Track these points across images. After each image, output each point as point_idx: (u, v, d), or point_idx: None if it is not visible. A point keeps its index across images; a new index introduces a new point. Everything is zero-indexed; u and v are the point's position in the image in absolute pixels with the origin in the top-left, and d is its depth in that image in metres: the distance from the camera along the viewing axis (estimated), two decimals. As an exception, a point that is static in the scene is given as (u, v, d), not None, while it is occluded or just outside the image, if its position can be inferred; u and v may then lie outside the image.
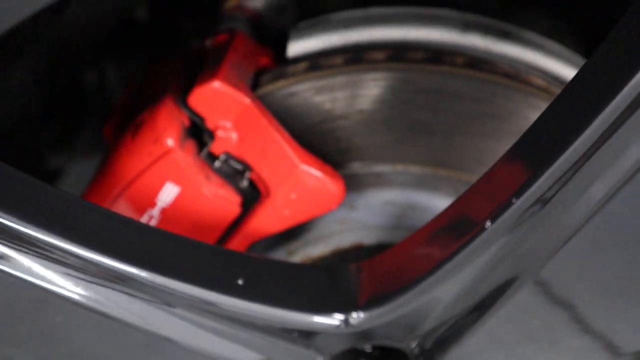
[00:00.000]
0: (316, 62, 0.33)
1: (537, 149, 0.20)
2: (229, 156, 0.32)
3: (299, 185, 0.31)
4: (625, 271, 0.24)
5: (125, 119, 0.36)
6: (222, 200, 0.32)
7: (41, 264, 0.24)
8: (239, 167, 0.32)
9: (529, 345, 0.27)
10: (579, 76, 0.22)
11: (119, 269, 0.24)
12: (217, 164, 0.32)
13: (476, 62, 0.33)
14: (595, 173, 0.21)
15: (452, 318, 0.26)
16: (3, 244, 0.24)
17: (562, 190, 0.21)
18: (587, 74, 0.21)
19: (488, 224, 0.20)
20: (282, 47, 0.38)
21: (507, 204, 0.19)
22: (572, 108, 0.21)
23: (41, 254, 0.24)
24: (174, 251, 0.26)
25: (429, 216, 0.29)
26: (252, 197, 0.33)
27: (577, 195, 0.21)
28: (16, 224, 0.24)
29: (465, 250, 0.22)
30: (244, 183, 0.32)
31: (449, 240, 0.24)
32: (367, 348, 0.29)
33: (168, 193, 0.32)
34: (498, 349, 0.27)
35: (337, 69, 0.33)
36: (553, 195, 0.21)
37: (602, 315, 0.26)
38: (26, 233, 0.24)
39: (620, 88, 0.19)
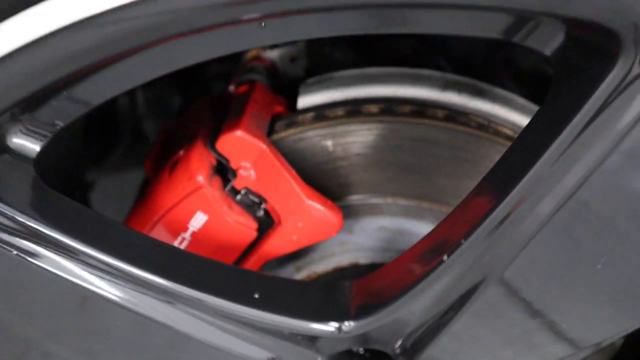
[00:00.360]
0: (321, 113, 0.40)
1: (481, 200, 0.27)
2: (248, 191, 0.38)
3: (305, 216, 0.38)
4: (570, 273, 0.30)
5: (162, 156, 0.43)
6: (242, 227, 0.39)
7: (98, 276, 0.31)
8: (256, 199, 0.39)
9: (496, 340, 0.33)
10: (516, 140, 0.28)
11: (161, 284, 0.31)
12: (238, 197, 0.38)
13: (454, 115, 0.39)
14: (531, 207, 0.27)
15: (427, 321, 0.32)
16: (71, 260, 0.31)
17: (507, 222, 0.27)
18: (523, 139, 0.28)
19: (445, 257, 0.27)
20: (294, 93, 0.44)
21: (458, 244, 0.26)
22: (509, 162, 0.28)
23: (98, 268, 0.31)
24: (204, 270, 0.33)
25: (414, 240, 0.36)
26: (267, 224, 0.39)
27: (520, 225, 0.27)
28: (83, 247, 0.30)
29: (430, 276, 0.28)
30: (260, 213, 0.39)
31: (420, 266, 0.30)
32: (359, 350, 0.35)
33: (198, 220, 0.38)
34: (468, 344, 0.33)
35: (339, 120, 0.40)
36: (498, 228, 0.27)
37: (559, 312, 0.31)
38: (87, 252, 0.31)
39: (545, 149, 0.25)
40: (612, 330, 0.30)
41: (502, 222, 0.27)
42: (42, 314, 0.32)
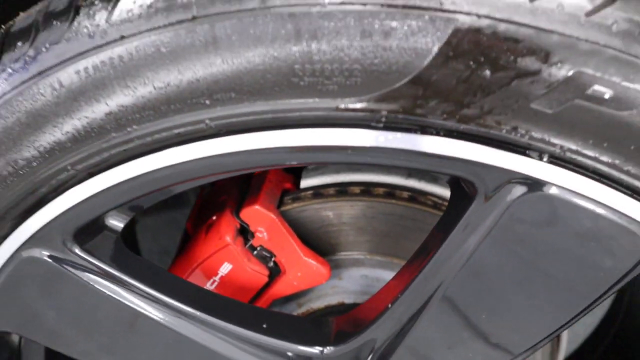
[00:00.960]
0: (318, 192, 0.53)
1: (408, 268, 0.40)
2: (262, 248, 0.52)
3: (302, 268, 0.51)
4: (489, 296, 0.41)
5: (199, 219, 0.57)
6: (257, 274, 0.53)
7: (149, 305, 0.44)
8: (268, 254, 0.52)
9: (442, 348, 0.45)
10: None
11: (195, 314, 0.44)
12: (255, 252, 0.52)
13: (415, 196, 0.53)
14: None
15: (388, 339, 0.45)
16: (132, 293, 0.44)
17: (421, 283, 0.39)
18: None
19: (389, 305, 0.40)
20: (299, 170, 0.58)
21: (397, 297, 0.39)
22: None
23: (149, 299, 0.44)
24: (227, 305, 0.47)
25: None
26: (275, 272, 0.53)
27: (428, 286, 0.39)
28: (142, 285, 0.44)
29: (382, 316, 0.42)
30: (271, 264, 0.53)
31: (376, 309, 0.43)
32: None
33: (225, 268, 0.52)
34: (422, 353, 0.45)
35: (330, 197, 0.53)
36: (418, 287, 0.40)
37: (490, 325, 0.43)
38: (143, 289, 0.44)
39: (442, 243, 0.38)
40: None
41: (416, 283, 0.39)
42: (110, 326, 0.46)
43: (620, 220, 0.32)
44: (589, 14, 0.28)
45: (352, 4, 0.28)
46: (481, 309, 0.39)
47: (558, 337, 0.57)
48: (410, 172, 0.53)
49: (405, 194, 0.52)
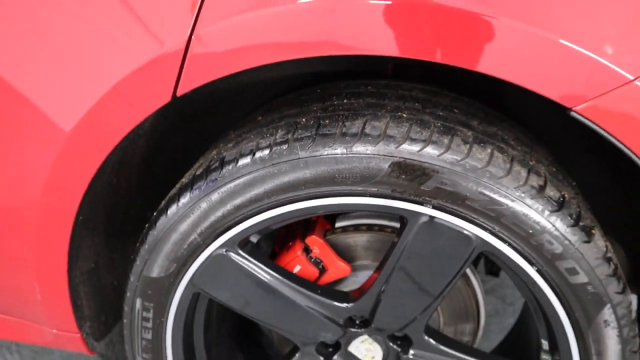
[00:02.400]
0: (345, 229, 1.03)
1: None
2: (316, 258, 1.01)
3: (336, 268, 0.99)
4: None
5: (282, 242, 1.06)
6: (312, 271, 1.01)
7: (270, 278, 0.94)
8: (319, 261, 1.01)
9: (391, 302, 0.93)
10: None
11: (293, 285, 0.93)
12: (312, 260, 1.01)
13: (394, 229, 1.02)
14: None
15: (373, 300, 0.93)
16: (268, 275, 0.94)
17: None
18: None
19: (372, 284, 0.89)
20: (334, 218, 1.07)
21: (374, 282, 0.88)
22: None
23: (272, 277, 0.94)
24: (303, 283, 0.95)
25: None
26: (323, 270, 1.01)
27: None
28: (271, 270, 0.93)
29: (369, 290, 0.90)
30: (320, 266, 1.02)
31: (367, 287, 0.92)
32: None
33: (297, 269, 1.01)
34: (385, 304, 0.93)
35: (350, 232, 1.02)
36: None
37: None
38: (271, 273, 0.94)
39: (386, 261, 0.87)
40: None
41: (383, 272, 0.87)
42: (253, 290, 0.95)
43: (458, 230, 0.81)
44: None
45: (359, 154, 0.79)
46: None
47: (477, 317, 1.04)
48: (391, 218, 1.02)
49: (389, 229, 1.01)
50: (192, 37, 0.75)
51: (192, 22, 0.74)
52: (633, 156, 0.72)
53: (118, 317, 1.13)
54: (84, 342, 1.09)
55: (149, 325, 0.95)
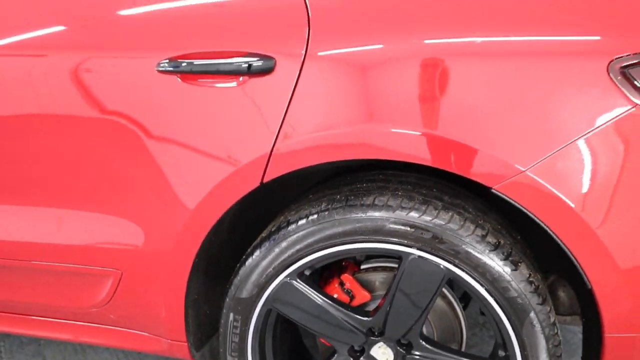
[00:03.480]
0: (367, 270, 1.51)
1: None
2: (348, 289, 1.49)
3: (361, 296, 1.46)
4: None
5: (324, 281, 1.55)
6: (345, 298, 1.49)
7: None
8: (350, 291, 1.48)
9: (398, 315, 1.41)
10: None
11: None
12: (345, 290, 1.50)
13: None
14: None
15: (385, 315, 1.41)
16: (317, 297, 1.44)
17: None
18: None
19: (384, 303, 1.37)
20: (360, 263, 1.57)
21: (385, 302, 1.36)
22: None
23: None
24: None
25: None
26: (352, 297, 1.49)
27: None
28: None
29: (382, 308, 1.39)
30: (350, 295, 1.49)
31: (380, 306, 1.41)
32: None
33: (335, 296, 1.50)
34: (393, 318, 1.41)
35: (372, 271, 1.50)
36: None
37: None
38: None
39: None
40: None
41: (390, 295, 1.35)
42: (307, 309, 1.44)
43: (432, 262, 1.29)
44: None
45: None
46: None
47: (459, 321, 1.50)
48: (396, 263, 1.51)
49: (395, 269, 1.50)
50: (273, 149, 1.29)
51: (274, 139, 1.29)
52: (532, 216, 1.22)
53: (209, 337, 1.63)
54: (189, 350, 1.59)
55: (237, 331, 1.45)
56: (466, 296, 1.66)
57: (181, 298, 1.49)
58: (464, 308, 1.58)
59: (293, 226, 1.35)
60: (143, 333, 1.61)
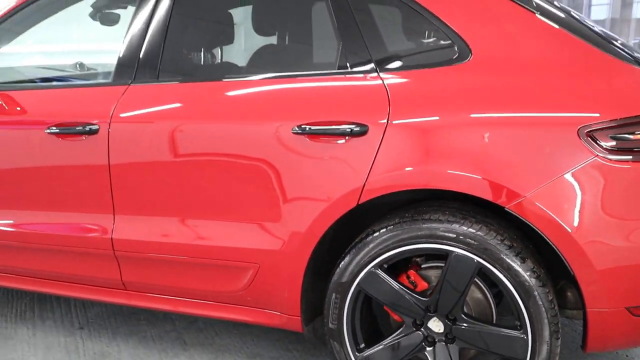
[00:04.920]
0: (425, 268, 2.20)
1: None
2: (412, 280, 2.16)
3: (421, 285, 2.16)
4: None
5: (396, 276, 2.25)
6: (411, 287, 2.18)
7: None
8: (414, 282, 2.15)
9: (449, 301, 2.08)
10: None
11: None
12: (410, 281, 2.18)
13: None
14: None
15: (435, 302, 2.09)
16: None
17: None
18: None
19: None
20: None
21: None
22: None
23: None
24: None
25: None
26: (415, 286, 2.16)
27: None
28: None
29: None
30: (414, 284, 2.16)
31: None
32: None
33: (406, 284, 2.19)
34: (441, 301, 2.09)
35: (429, 269, 2.20)
36: None
37: None
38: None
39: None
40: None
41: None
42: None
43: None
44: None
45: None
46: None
47: (490, 307, 2.15)
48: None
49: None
50: (365, 182, 2.04)
51: (366, 176, 2.03)
52: (539, 231, 1.90)
53: (312, 318, 2.35)
54: (301, 324, 2.31)
55: (337, 306, 2.17)
56: (500, 294, 2.32)
57: (298, 286, 2.22)
58: (498, 304, 2.23)
59: (377, 233, 2.08)
60: (269, 311, 2.35)
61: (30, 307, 3.29)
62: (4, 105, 2.59)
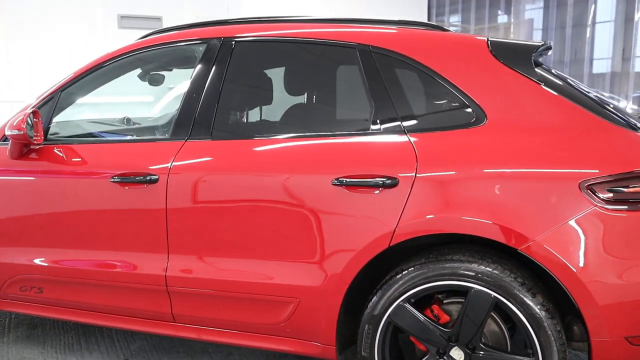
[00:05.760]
0: (447, 304, 2.50)
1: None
2: (436, 314, 2.47)
3: (444, 318, 2.46)
4: None
5: (422, 310, 2.54)
6: (435, 319, 2.48)
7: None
8: (437, 316, 2.46)
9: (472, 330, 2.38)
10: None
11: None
12: (434, 314, 2.48)
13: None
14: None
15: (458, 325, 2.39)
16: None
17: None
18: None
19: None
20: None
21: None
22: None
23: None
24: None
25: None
26: (439, 319, 2.46)
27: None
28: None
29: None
30: (437, 317, 2.46)
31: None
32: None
33: (430, 317, 2.48)
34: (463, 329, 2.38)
35: (450, 304, 2.49)
36: None
37: None
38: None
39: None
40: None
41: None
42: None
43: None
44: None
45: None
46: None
47: (505, 338, 2.44)
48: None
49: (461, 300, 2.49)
50: (396, 228, 2.36)
51: (397, 222, 2.36)
52: (548, 271, 2.21)
53: (345, 347, 2.63)
54: (335, 353, 2.59)
55: (369, 336, 2.46)
56: (513, 327, 2.60)
57: (334, 319, 2.52)
58: (511, 336, 2.51)
59: (405, 271, 2.39)
60: (307, 341, 2.64)
61: (77, 340, 3.57)
62: (70, 157, 2.94)
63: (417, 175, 2.33)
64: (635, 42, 10.91)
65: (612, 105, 2.46)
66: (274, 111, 2.96)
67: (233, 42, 2.72)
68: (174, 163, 2.70)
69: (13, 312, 3.31)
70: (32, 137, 2.89)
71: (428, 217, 2.31)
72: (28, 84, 8.33)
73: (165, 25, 8.79)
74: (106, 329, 3.70)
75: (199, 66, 2.84)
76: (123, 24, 8.48)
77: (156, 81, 3.71)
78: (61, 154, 2.97)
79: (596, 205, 2.15)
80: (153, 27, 9.20)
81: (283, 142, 2.64)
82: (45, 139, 3.03)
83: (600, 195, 2.14)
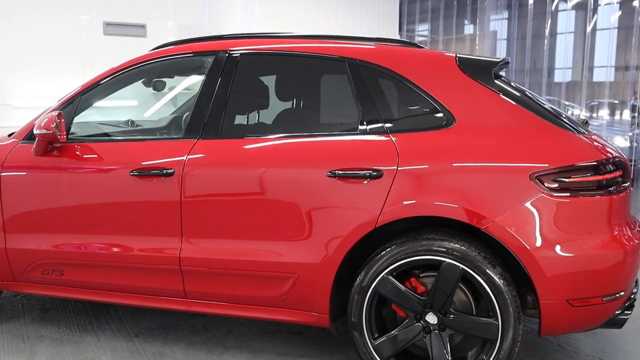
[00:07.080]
0: (422, 277, 2.98)
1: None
2: (414, 285, 2.95)
3: (420, 289, 2.93)
4: None
5: (402, 282, 3.01)
6: (412, 290, 2.95)
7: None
8: (414, 286, 2.93)
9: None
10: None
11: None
12: (412, 286, 2.95)
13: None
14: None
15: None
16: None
17: None
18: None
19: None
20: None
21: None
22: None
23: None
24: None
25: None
26: (415, 290, 2.94)
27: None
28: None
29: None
30: (414, 288, 2.95)
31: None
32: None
33: (409, 288, 2.96)
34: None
35: (426, 277, 2.97)
36: None
37: None
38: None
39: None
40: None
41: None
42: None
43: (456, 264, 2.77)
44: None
45: (426, 243, 2.82)
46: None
47: (471, 305, 2.92)
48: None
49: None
50: (381, 211, 2.83)
51: (381, 206, 2.83)
52: (506, 247, 2.70)
53: (336, 317, 3.09)
54: (328, 321, 3.05)
55: (358, 304, 2.92)
56: (478, 298, 3.08)
57: (328, 291, 2.97)
58: (477, 306, 2.98)
59: (388, 249, 2.86)
60: (304, 311, 3.09)
61: (88, 321, 3.95)
62: (91, 153, 3.35)
63: (398, 168, 2.81)
64: (593, 54, 11.65)
65: (559, 112, 2.98)
66: (274, 114, 3.40)
67: (238, 55, 3.16)
68: (188, 156, 3.13)
69: (34, 294, 3.68)
70: (58, 136, 3.27)
71: (407, 202, 2.79)
72: (13, 87, 8.60)
73: (149, 33, 9.15)
74: (114, 311, 4.09)
75: (208, 75, 3.27)
76: (108, 31, 8.83)
77: (159, 87, 4.13)
78: (82, 151, 3.37)
79: (544, 192, 2.65)
80: (137, 35, 9.58)
81: (283, 140, 3.08)
82: (67, 138, 3.41)
83: (547, 184, 2.65)
